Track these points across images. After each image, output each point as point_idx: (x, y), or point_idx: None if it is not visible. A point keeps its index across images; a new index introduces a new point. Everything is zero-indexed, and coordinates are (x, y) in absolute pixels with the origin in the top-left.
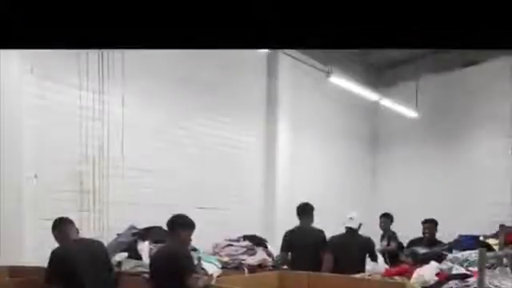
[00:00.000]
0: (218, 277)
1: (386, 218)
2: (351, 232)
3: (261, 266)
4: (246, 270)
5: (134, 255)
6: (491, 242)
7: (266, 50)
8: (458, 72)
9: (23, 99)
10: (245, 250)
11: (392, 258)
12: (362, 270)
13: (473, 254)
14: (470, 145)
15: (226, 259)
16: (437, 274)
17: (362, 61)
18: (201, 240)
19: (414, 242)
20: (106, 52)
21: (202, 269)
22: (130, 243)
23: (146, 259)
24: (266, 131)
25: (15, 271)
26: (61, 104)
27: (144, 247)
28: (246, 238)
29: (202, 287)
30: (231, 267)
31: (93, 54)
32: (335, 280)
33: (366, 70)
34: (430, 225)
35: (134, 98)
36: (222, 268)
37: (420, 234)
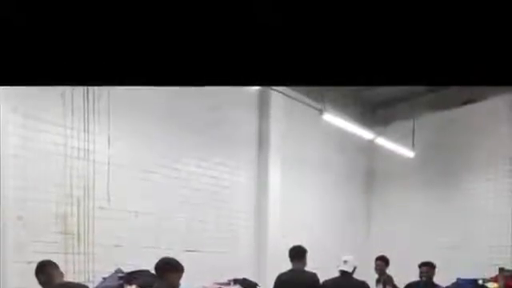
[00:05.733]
0: None
1: (382, 261)
2: (345, 275)
3: None
4: None
5: None
6: (490, 286)
7: (258, 88)
8: (456, 110)
9: (6, 138)
10: None
11: None
12: None
13: None
14: (469, 185)
15: None
16: None
17: (357, 98)
18: (190, 283)
19: (411, 286)
20: (91, 89)
21: None
22: (116, 287)
23: None
24: (257, 171)
25: None
26: (45, 143)
27: None
28: (236, 281)
29: None
30: None
31: (78, 92)
32: None
33: (360, 107)
34: (428, 268)
35: (121, 136)
36: None
37: (417, 278)
